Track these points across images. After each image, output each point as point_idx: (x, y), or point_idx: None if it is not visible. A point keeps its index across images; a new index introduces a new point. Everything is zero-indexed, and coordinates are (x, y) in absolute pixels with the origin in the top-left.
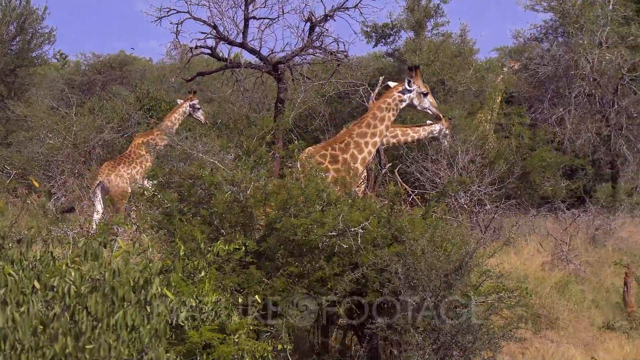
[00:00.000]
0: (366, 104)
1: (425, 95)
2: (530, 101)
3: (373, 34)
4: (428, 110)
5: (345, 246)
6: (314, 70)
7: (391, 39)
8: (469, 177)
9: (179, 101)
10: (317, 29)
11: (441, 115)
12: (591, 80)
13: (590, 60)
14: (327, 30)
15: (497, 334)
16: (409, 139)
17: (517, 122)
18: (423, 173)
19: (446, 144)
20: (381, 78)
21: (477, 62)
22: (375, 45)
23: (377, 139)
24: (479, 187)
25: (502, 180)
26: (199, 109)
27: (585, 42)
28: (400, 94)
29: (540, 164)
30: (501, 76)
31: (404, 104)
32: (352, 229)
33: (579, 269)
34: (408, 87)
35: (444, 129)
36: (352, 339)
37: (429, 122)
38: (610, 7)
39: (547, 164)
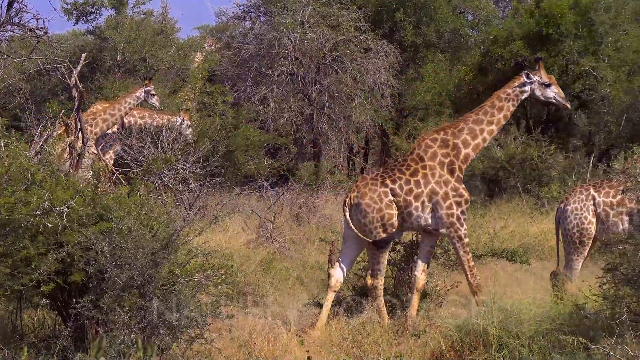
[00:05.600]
0: (68, 81)
1: (548, 86)
2: (233, 80)
3: (73, 11)
4: (552, 101)
5: (50, 225)
6: (12, 47)
7: (92, 16)
8: (174, 156)
9: (135, 87)
10: (15, 5)
11: (568, 105)
12: (293, 59)
13: (293, 40)
14: (26, 6)
15: (204, 312)
16: (155, 124)
17: (220, 100)
18: (127, 151)
19: (189, 135)
20: (83, 55)
21: (179, 41)
22: (76, 22)
23: (493, 127)
24: (183, 165)
25: (206, 159)
26: (154, 95)
27: (288, 21)
28: (521, 85)
29: (244, 142)
30: (203, 54)
31: (525, 95)
32: (58, 208)
33: (284, 247)
34: (527, 80)
35: (186, 122)
36: (56, 319)
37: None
38: None
39: (250, 142)
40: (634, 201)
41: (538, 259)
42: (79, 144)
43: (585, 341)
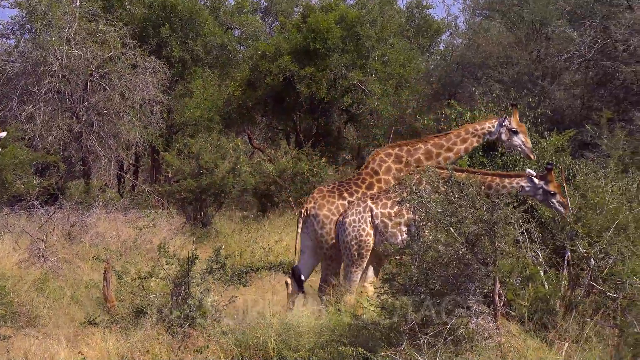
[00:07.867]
0: None
1: (515, 133)
2: None
3: None
4: (518, 149)
5: None
6: None
7: None
8: None
9: None
10: None
11: (533, 157)
12: (60, 76)
13: (59, 57)
14: None
15: None
16: None
17: None
18: None
19: None
20: None
21: None
22: None
23: (450, 154)
24: None
25: None
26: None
27: (54, 38)
28: (491, 126)
29: (12, 161)
30: None
31: (491, 137)
32: None
33: (57, 266)
34: (502, 123)
35: None
36: None
37: None
38: (78, 3)
39: (18, 161)
40: (411, 211)
41: (314, 272)
42: None
43: (365, 351)
